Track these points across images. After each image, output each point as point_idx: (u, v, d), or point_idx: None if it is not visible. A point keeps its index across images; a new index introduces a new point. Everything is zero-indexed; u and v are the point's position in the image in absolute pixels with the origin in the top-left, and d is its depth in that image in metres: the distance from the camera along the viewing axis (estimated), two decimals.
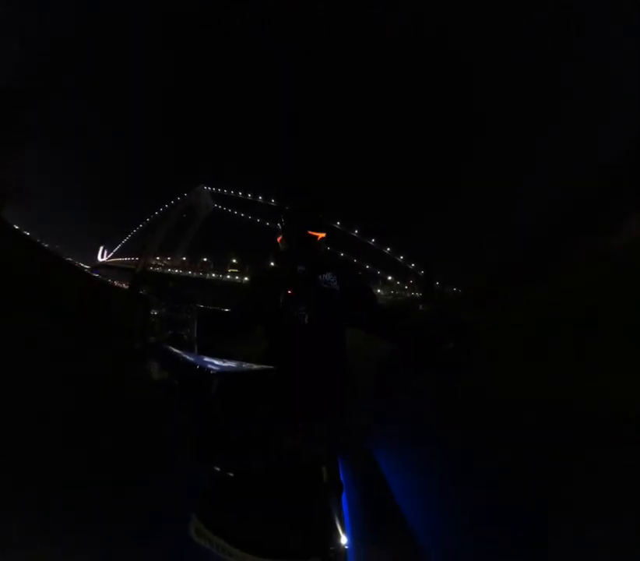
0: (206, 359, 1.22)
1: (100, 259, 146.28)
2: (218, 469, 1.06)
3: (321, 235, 1.72)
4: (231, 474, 1.07)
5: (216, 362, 1.19)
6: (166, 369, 1.21)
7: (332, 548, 1.07)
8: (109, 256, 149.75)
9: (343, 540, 1.14)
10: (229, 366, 1.19)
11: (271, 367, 1.20)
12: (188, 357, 1.19)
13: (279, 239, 1.75)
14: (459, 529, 2.04)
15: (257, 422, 1.16)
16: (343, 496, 1.29)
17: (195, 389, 1.13)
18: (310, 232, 1.68)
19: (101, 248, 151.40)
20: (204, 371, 1.12)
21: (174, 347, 1.25)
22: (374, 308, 1.64)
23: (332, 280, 1.62)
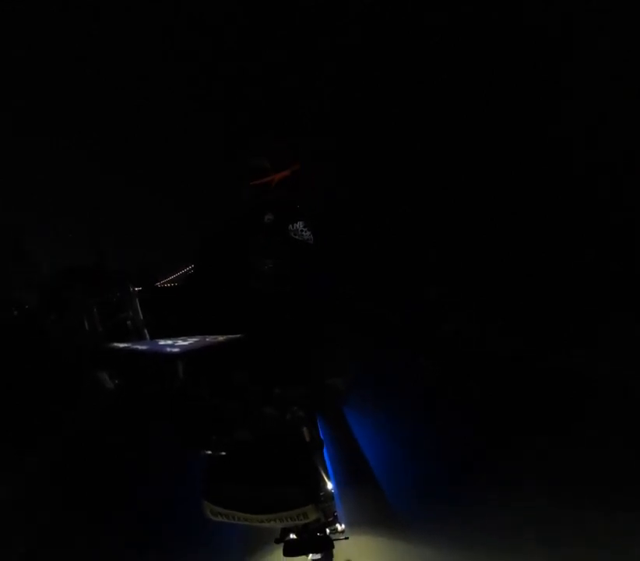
0: (162, 342, 1.07)
1: None
2: (208, 452, 1.09)
3: (283, 174, 1.43)
4: (222, 453, 1.12)
5: (177, 342, 1.06)
6: (118, 372, 1.03)
7: (322, 493, 1.22)
8: None
9: (329, 486, 1.31)
10: (191, 343, 1.07)
11: (238, 335, 1.13)
12: (139, 347, 1.04)
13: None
14: (418, 470, 2.25)
15: (235, 396, 1.11)
16: (325, 450, 1.35)
17: (161, 379, 1.00)
18: (253, 182, 1.41)
19: None
20: (164, 356, 1.00)
21: (117, 341, 1.06)
22: (351, 263, 1.47)
23: (305, 230, 1.41)
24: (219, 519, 1.15)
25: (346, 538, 1.44)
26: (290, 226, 1.41)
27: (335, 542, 1.33)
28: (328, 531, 1.39)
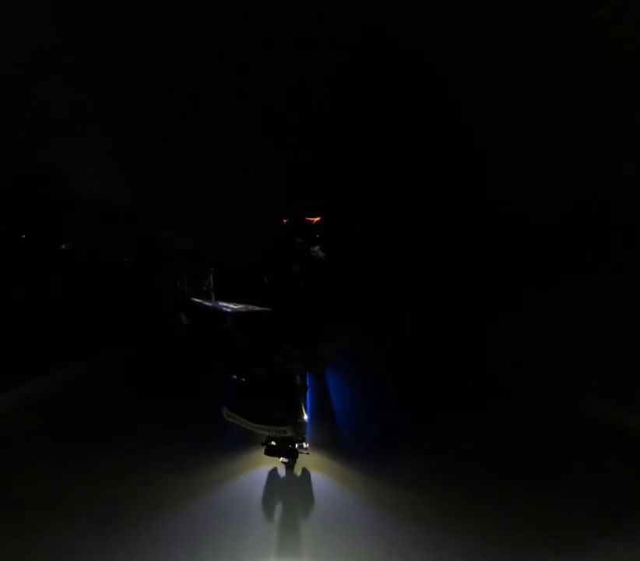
0: (221, 303, 1.66)
1: None
2: (234, 377, 1.66)
3: (316, 219, 2.18)
4: (243, 380, 1.67)
5: (230, 305, 1.65)
6: (191, 316, 1.65)
7: (299, 420, 1.79)
8: None
9: (305, 416, 1.93)
10: (238, 308, 1.65)
11: (268, 309, 1.71)
12: (207, 303, 1.64)
13: (285, 220, 2.20)
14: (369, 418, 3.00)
15: (258, 345, 1.70)
16: (308, 393, 1.97)
17: (214, 326, 1.60)
18: (306, 218, 2.16)
19: None
20: (220, 312, 1.58)
21: (196, 297, 1.67)
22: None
23: (319, 251, 2.14)
24: (231, 420, 1.74)
25: (308, 453, 2.08)
26: (311, 248, 2.11)
27: (300, 454, 1.95)
28: (297, 445, 2.02)
